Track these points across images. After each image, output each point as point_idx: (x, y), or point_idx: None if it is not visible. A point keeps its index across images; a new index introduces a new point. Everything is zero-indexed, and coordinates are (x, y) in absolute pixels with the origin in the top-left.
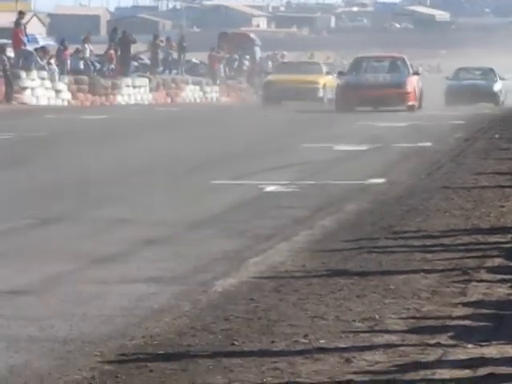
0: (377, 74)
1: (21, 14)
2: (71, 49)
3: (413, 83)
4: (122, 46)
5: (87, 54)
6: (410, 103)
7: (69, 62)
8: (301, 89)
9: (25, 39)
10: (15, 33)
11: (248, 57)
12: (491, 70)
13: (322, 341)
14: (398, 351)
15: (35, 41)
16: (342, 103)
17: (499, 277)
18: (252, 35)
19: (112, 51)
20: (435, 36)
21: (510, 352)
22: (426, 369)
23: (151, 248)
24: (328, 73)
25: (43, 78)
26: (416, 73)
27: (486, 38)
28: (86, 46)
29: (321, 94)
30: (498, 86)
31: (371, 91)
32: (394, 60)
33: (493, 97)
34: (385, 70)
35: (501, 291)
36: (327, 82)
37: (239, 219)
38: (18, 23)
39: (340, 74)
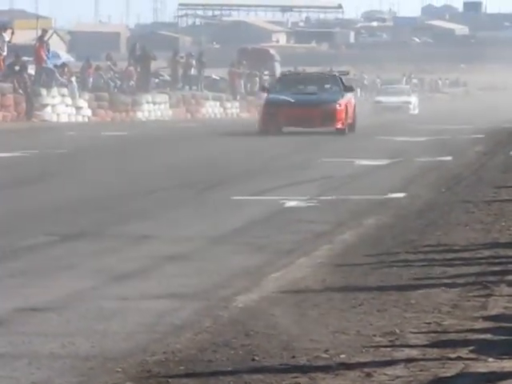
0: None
1: (44, 31)
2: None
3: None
4: (141, 62)
5: (110, 72)
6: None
7: (91, 79)
8: None
9: (46, 56)
10: (37, 50)
11: (267, 72)
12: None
13: (342, 356)
14: (419, 365)
15: (57, 56)
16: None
17: None
18: (271, 51)
19: (132, 68)
20: (454, 50)
21: None
22: (447, 383)
23: (172, 264)
24: None
25: (64, 95)
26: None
27: (506, 51)
28: (109, 63)
29: None
30: None
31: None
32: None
33: None
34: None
35: None
36: None
37: (260, 234)
38: (41, 40)
39: (263, 89)
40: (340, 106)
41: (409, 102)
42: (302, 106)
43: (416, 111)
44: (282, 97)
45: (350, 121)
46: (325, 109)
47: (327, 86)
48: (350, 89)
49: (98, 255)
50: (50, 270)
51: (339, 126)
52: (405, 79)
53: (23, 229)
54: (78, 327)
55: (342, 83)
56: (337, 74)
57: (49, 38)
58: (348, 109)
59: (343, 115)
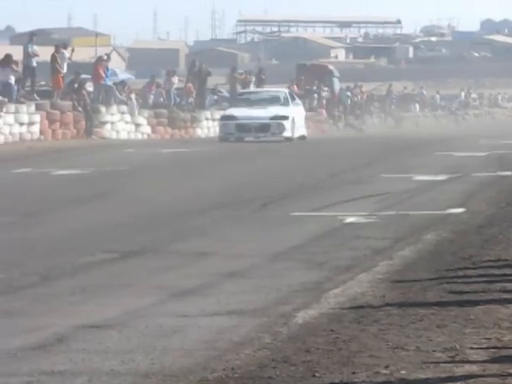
0: None
1: (108, 55)
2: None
3: None
4: (198, 78)
5: (172, 87)
6: None
7: (152, 96)
8: None
9: (104, 74)
10: (96, 67)
11: (326, 88)
12: None
13: (402, 372)
14: (479, 381)
15: (115, 75)
16: None
17: None
18: (330, 66)
19: (190, 84)
20: None
21: None
22: None
23: (231, 281)
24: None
25: (123, 113)
26: None
27: None
28: (172, 79)
29: None
30: None
31: None
32: None
33: None
34: None
35: None
36: None
37: (319, 251)
38: (100, 58)
39: None
40: None
41: (283, 118)
42: None
43: (300, 132)
44: None
45: None
46: None
47: None
48: None
49: (157, 272)
50: (109, 288)
51: None
52: (463, 94)
53: (83, 246)
54: (138, 344)
55: None
56: None
57: (108, 57)
58: None
59: None
